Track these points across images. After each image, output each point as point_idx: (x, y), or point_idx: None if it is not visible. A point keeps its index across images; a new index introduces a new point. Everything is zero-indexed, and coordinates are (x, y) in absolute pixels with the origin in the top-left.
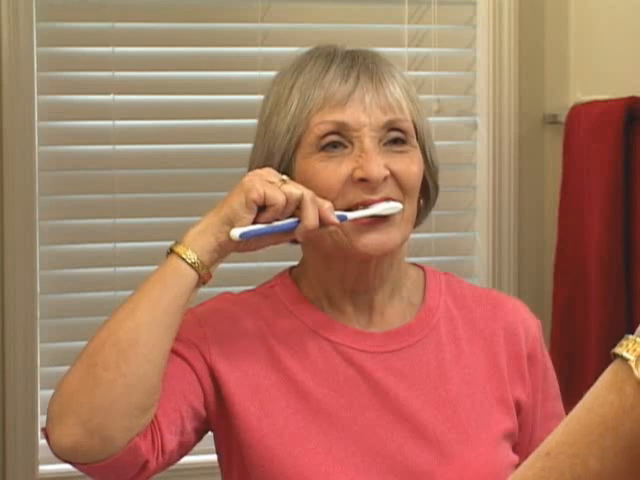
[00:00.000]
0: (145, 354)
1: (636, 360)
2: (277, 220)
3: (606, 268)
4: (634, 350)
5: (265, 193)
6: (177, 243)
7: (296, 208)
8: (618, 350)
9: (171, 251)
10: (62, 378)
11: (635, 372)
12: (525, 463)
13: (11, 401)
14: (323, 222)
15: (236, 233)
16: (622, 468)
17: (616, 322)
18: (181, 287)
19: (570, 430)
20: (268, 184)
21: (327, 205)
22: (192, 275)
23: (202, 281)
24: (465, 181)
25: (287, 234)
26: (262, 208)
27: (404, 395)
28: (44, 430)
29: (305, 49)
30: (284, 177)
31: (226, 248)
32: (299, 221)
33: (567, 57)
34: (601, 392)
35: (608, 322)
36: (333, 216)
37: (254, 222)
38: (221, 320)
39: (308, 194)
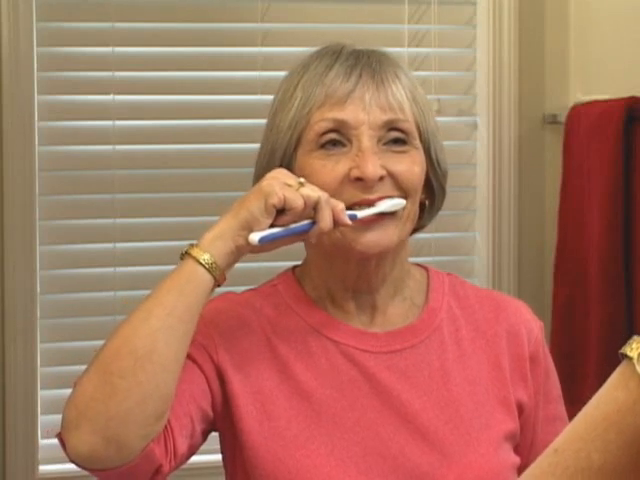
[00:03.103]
0: (161, 362)
1: (638, 358)
2: (293, 222)
3: (606, 268)
4: (637, 348)
5: (285, 197)
6: (193, 246)
7: (311, 210)
8: (623, 350)
9: (186, 254)
10: (76, 384)
11: (638, 369)
12: (535, 462)
13: (11, 401)
14: (337, 223)
15: (255, 238)
16: (624, 462)
17: (616, 322)
18: (197, 292)
19: (576, 427)
20: (287, 187)
21: (340, 206)
22: (208, 279)
23: (216, 284)
24: (465, 181)
25: (301, 235)
26: (280, 211)
27: (406, 396)
28: (59, 436)
29: (305, 49)
30: (301, 179)
31: (242, 251)
32: (314, 222)
33: (567, 57)
34: (607, 391)
35: (608, 322)
36: (346, 217)
37: (271, 224)
38: (226, 320)
39: (324, 196)
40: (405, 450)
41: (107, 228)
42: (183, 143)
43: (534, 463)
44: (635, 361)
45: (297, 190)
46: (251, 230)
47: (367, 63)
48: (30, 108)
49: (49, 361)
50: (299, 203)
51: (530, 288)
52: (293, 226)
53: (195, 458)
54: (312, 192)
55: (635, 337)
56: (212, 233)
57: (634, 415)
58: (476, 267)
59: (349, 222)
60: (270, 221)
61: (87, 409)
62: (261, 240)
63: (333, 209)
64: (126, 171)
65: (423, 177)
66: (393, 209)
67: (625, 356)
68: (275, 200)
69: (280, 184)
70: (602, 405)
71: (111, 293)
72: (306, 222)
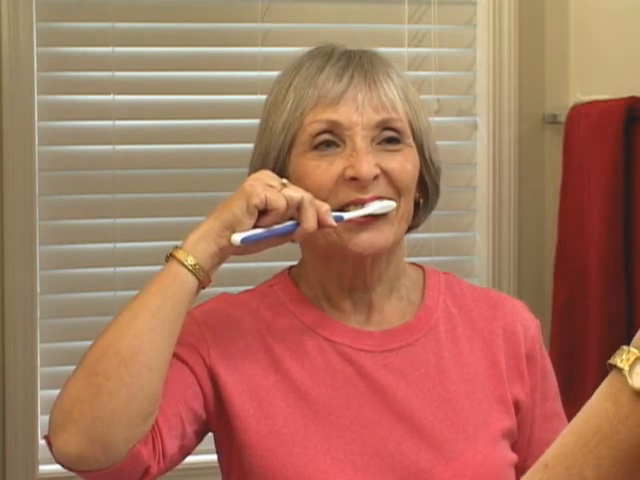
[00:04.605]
0: (147, 363)
1: (629, 369)
2: (277, 223)
3: (606, 268)
4: (628, 360)
5: (267, 198)
6: (177, 248)
7: (295, 211)
8: (613, 360)
9: (171, 256)
10: (63, 386)
11: (629, 381)
12: (524, 476)
13: (11, 401)
14: (321, 224)
15: (237, 238)
16: (618, 477)
17: (616, 322)
18: (182, 294)
19: (567, 441)
20: (269, 188)
21: (325, 207)
22: (192, 281)
23: (201, 286)
24: (465, 181)
25: (286, 236)
26: (262, 212)
27: (403, 394)
28: (46, 438)
29: (304, 49)
30: (284, 181)
31: (226, 252)
32: (297, 223)
33: (567, 57)
34: (597, 402)
35: (608, 322)
36: (331, 218)
37: (254, 226)
38: (220, 321)
39: (307, 197)
40: (402, 448)
41: (107, 228)
42: (183, 143)
43: (524, 477)
44: (627, 373)
45: (280, 191)
46: (234, 231)
47: (359, 64)
48: (30, 108)
49: (49, 361)
50: (281, 204)
51: (530, 288)
52: (276, 227)
53: (191, 458)
54: (295, 193)
55: (624, 347)
56: (195, 235)
57: (627, 430)
58: (476, 267)
59: (334, 224)
60: (252, 222)
61: (73, 410)
62: (243, 241)
63: (317, 210)
64: (126, 171)
65: (416, 175)
66: (382, 211)
67: (614, 367)
68: (257, 200)
69: (262, 185)
70: (592, 418)
71: (111, 293)
72: (290, 223)
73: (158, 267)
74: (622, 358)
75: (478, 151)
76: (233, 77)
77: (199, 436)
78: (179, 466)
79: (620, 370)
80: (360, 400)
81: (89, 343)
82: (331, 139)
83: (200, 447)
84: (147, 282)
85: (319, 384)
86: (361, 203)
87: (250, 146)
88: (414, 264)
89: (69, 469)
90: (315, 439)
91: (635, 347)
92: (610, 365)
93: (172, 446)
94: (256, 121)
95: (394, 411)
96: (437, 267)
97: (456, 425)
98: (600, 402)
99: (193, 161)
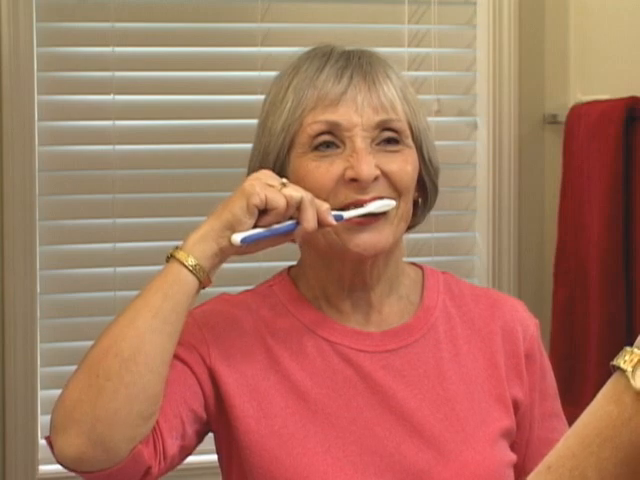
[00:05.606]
0: (147, 363)
1: (633, 371)
2: (277, 223)
3: (606, 268)
4: (631, 361)
5: (267, 197)
6: (177, 249)
7: (295, 210)
8: (616, 362)
9: (171, 256)
10: (64, 387)
11: (632, 383)
12: (528, 478)
13: (11, 401)
14: (321, 224)
15: (237, 238)
16: (620, 479)
17: (616, 322)
18: (182, 294)
19: (570, 443)
20: (269, 188)
21: (325, 207)
22: (193, 281)
23: (202, 286)
24: (465, 181)
25: (286, 236)
26: (262, 211)
27: (402, 394)
28: (48, 439)
29: (305, 49)
30: (284, 180)
31: (226, 252)
32: (298, 223)
33: (567, 57)
34: (600, 404)
35: (608, 322)
36: (331, 217)
37: (254, 225)
38: (220, 322)
39: (307, 197)
40: (401, 448)
41: (107, 228)
42: (183, 143)
43: (527, 479)
44: (630, 374)
45: (280, 190)
46: (234, 231)
47: (358, 64)
48: (30, 108)
49: (49, 361)
50: (281, 203)
51: (530, 288)
52: (276, 226)
53: (191, 458)
54: (295, 192)
55: (627, 348)
56: (196, 235)
57: (630, 432)
58: (476, 267)
59: (334, 222)
60: (252, 222)
61: (74, 411)
62: (243, 240)
63: (317, 209)
64: (126, 171)
65: (416, 176)
66: (382, 210)
67: (617, 368)
68: (256, 200)
69: (262, 184)
70: (595, 420)
71: (111, 293)
72: (290, 222)
73: (158, 267)
74: (625, 359)
75: (478, 151)
76: (233, 77)
77: (199, 436)
78: (179, 466)
79: (623, 371)
80: (359, 401)
81: (89, 343)
82: (331, 140)
83: (200, 447)
84: (147, 282)
85: (319, 385)
86: (361, 204)
87: (250, 146)
88: (413, 264)
89: (71, 470)
90: (315, 439)
91: (638, 348)
92: (613, 366)
93: (173, 446)
94: (256, 121)
95: (393, 411)
96: (437, 267)
97: (455, 425)
98: (603, 404)
99: (193, 161)
